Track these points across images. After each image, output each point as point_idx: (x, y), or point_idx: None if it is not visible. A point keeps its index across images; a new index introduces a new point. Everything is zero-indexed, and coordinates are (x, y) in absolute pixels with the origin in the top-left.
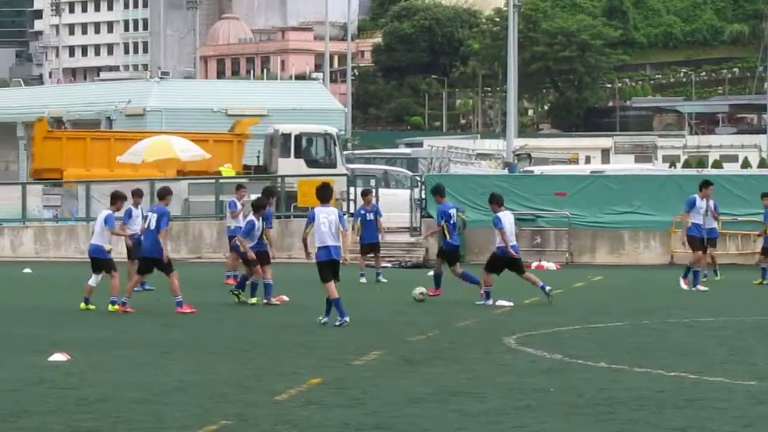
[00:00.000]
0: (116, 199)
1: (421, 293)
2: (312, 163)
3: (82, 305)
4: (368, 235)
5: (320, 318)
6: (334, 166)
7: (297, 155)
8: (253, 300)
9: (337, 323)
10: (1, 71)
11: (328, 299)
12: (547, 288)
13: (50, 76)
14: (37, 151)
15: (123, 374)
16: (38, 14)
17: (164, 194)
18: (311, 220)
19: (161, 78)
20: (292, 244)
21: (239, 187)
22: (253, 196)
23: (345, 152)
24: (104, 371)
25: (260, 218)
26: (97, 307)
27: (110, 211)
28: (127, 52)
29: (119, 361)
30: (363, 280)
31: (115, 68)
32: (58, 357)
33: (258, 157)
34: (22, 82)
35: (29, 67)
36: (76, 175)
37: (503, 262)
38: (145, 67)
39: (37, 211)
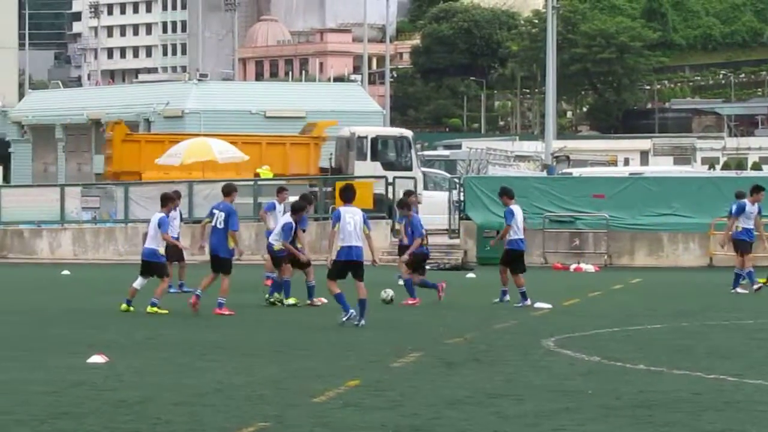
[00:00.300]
0: (167, 200)
1: (389, 295)
2: (388, 165)
3: (123, 306)
4: (410, 237)
5: (349, 318)
6: (409, 168)
7: (373, 158)
8: (292, 300)
9: (344, 319)
10: (40, 73)
11: (360, 299)
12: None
13: (89, 78)
14: (115, 154)
15: (161, 376)
16: (77, 16)
17: (230, 191)
18: (337, 219)
19: (199, 80)
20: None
21: (281, 189)
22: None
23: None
24: (142, 373)
25: (296, 221)
26: (136, 309)
27: (163, 214)
28: (165, 54)
29: (158, 362)
30: (401, 282)
31: (154, 70)
32: (97, 359)
33: (330, 159)
34: (60, 84)
35: (68, 69)
36: (155, 177)
37: (515, 256)
38: (184, 69)
39: (75, 213)
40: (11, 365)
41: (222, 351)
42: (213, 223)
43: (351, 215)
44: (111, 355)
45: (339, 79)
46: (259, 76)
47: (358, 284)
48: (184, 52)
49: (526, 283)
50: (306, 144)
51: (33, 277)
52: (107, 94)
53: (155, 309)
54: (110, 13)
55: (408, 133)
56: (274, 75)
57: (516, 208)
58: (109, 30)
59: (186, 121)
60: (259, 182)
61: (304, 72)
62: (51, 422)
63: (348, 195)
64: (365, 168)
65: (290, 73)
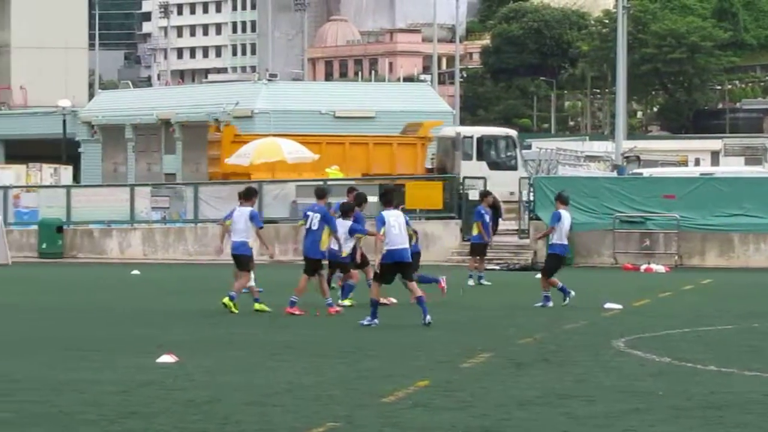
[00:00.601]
0: (253, 194)
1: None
2: (493, 165)
3: (256, 306)
4: (480, 236)
5: (369, 324)
6: (514, 168)
7: (479, 158)
8: (347, 302)
9: (365, 323)
10: (110, 73)
11: (417, 298)
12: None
13: (158, 78)
14: (224, 155)
15: (231, 376)
16: (147, 17)
17: (323, 194)
18: (381, 223)
19: (269, 80)
20: None
21: (351, 189)
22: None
23: None
24: (212, 373)
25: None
26: (205, 309)
27: (252, 208)
28: (235, 54)
29: (227, 362)
30: (471, 282)
31: (223, 70)
32: (167, 358)
33: (432, 159)
34: (130, 84)
35: (137, 69)
36: (264, 177)
37: (556, 261)
38: (253, 69)
39: (145, 213)
40: (81, 365)
41: (292, 351)
42: (306, 225)
43: (395, 218)
44: (181, 355)
45: (408, 79)
46: (328, 76)
47: (411, 285)
48: (253, 52)
49: (596, 284)
50: (413, 144)
51: (102, 277)
52: (177, 94)
53: (231, 303)
54: (180, 13)
55: (513, 132)
56: (343, 75)
57: (565, 214)
58: (179, 30)
59: (255, 121)
60: (329, 182)
61: (373, 72)
62: (120, 422)
63: (388, 198)
64: (471, 168)
65: (359, 73)
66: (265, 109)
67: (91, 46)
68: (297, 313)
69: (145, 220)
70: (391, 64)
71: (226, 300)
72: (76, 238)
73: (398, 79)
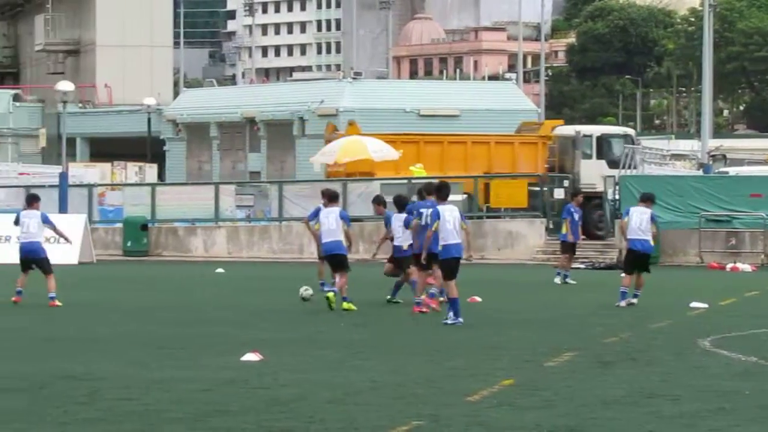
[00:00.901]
0: (337, 198)
1: (309, 292)
2: (613, 164)
3: (344, 305)
4: (572, 235)
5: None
6: (634, 166)
7: (599, 156)
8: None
9: (449, 322)
10: (195, 72)
11: (451, 299)
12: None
13: (243, 77)
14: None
15: (315, 374)
16: (231, 15)
17: (430, 191)
18: (437, 218)
19: (354, 78)
20: (484, 245)
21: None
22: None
23: None
24: (297, 371)
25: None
26: (290, 307)
27: (340, 208)
28: (319, 52)
29: (311, 360)
30: (557, 280)
31: (308, 68)
32: (251, 357)
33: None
34: (215, 83)
35: (222, 68)
36: (387, 175)
37: (633, 256)
38: (338, 67)
39: (229, 211)
40: (167, 363)
41: (376, 349)
42: (422, 222)
43: (449, 212)
44: (265, 353)
45: (493, 77)
46: (413, 75)
47: (454, 283)
48: (338, 51)
49: (682, 283)
50: (534, 143)
51: (187, 275)
52: (261, 92)
53: (349, 305)
54: (265, 11)
55: (631, 131)
56: (428, 73)
57: (633, 210)
58: (264, 28)
59: (340, 119)
60: (414, 180)
61: (458, 70)
62: (205, 420)
63: (444, 193)
64: (591, 167)
65: (444, 71)
66: (349, 107)
67: (176, 44)
68: (425, 311)
69: (230, 219)
70: (475, 62)
71: (330, 295)
72: (160, 236)
73: (483, 78)
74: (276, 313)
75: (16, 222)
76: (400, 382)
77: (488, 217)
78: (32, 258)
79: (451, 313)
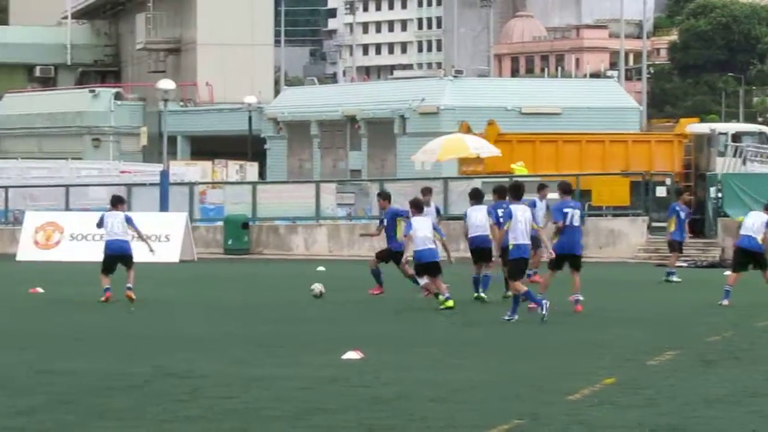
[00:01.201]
0: (421, 207)
1: (320, 290)
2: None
3: (448, 303)
4: (678, 233)
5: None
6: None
7: (734, 154)
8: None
9: (506, 318)
10: (296, 70)
11: (515, 296)
12: None
13: (344, 75)
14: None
15: (416, 372)
16: (332, 13)
17: (571, 189)
18: (509, 217)
19: (455, 76)
20: (586, 243)
21: (542, 186)
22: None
23: None
24: (398, 369)
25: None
26: (390, 305)
27: (427, 216)
28: (420, 50)
29: (412, 359)
30: (675, 278)
31: (409, 66)
32: (352, 355)
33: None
34: (316, 81)
35: (323, 66)
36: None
37: (743, 254)
38: (439, 65)
39: (330, 210)
40: (267, 361)
41: (476, 347)
42: (566, 222)
43: (521, 212)
44: (366, 351)
45: (595, 75)
46: (514, 73)
47: (520, 282)
48: (439, 49)
49: None
50: (669, 141)
51: (288, 274)
52: (362, 90)
53: (450, 303)
54: (366, 9)
55: (765, 129)
56: (529, 71)
57: (760, 215)
58: (365, 26)
59: (441, 117)
60: (515, 179)
61: (559, 68)
62: (306, 418)
63: (518, 193)
64: (726, 164)
65: (546, 69)
66: (450, 105)
67: (277, 42)
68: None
69: (331, 217)
70: (577, 60)
71: (443, 299)
72: (261, 235)
73: (584, 75)
74: (377, 312)
75: (100, 224)
76: (500, 380)
77: (590, 216)
78: (119, 255)
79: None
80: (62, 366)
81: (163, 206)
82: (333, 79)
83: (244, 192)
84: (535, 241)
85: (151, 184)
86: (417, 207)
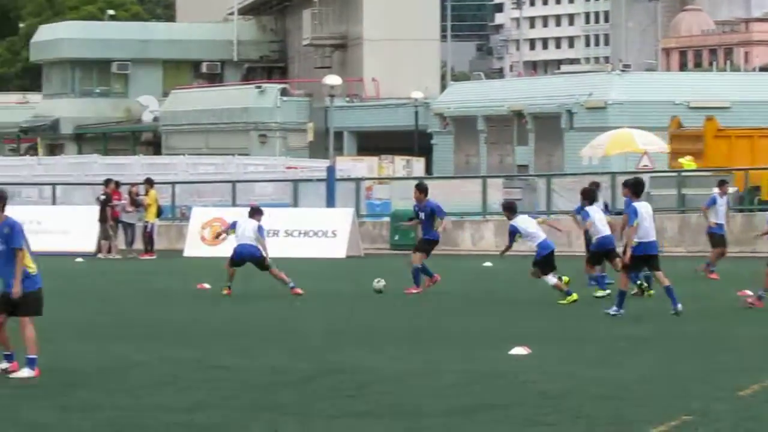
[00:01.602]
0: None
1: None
2: None
3: (600, 292)
4: None
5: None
6: None
7: None
8: (601, 293)
9: (672, 312)
10: (462, 65)
11: (621, 290)
12: None
13: (510, 70)
14: (708, 151)
15: (583, 369)
16: (499, 8)
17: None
18: (635, 215)
19: (622, 70)
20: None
21: (722, 182)
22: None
23: None
24: (565, 365)
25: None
26: (554, 301)
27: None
28: (588, 44)
29: (579, 355)
30: None
31: (576, 61)
32: (519, 351)
33: None
34: (482, 76)
35: (489, 61)
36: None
37: None
38: (606, 59)
39: (497, 205)
40: (433, 356)
41: (643, 343)
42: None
43: (645, 209)
44: (534, 347)
45: (765, 69)
46: (683, 67)
47: (658, 274)
48: (606, 43)
49: None
50: None
51: (455, 269)
52: (529, 85)
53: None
54: (532, 3)
55: None
56: (698, 65)
57: None
58: (531, 21)
59: (609, 112)
60: (683, 173)
61: (728, 62)
62: (473, 413)
63: (639, 189)
64: None
65: (714, 63)
66: (618, 99)
67: (444, 37)
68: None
69: (498, 212)
70: (746, 53)
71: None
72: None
73: (754, 69)
74: (544, 307)
75: (233, 226)
76: (668, 376)
77: (759, 210)
78: (248, 258)
79: (614, 307)
80: (229, 362)
81: (330, 202)
82: (500, 73)
83: (411, 187)
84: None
85: (318, 180)
86: (589, 197)
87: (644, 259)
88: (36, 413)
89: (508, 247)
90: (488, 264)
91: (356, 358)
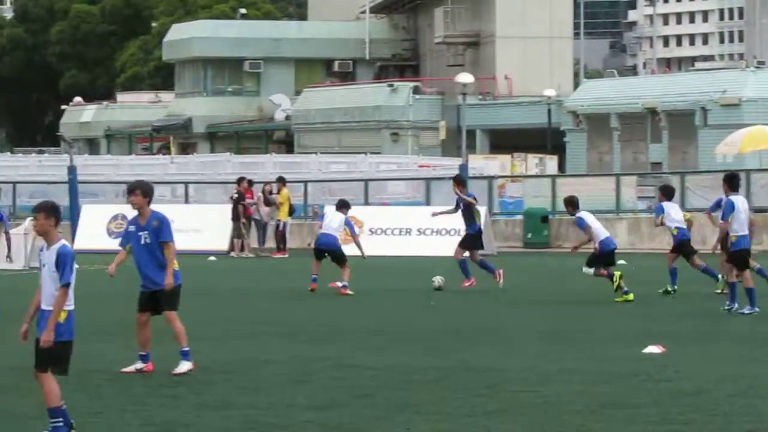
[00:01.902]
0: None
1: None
2: None
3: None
4: None
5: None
6: None
7: None
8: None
9: (747, 312)
10: (595, 62)
11: (748, 288)
12: None
13: (644, 67)
14: None
15: (719, 367)
16: (632, 5)
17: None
18: (732, 209)
19: (757, 67)
20: None
21: None
22: None
23: None
24: (700, 364)
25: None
26: (687, 299)
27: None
28: (722, 41)
29: (714, 353)
30: None
31: (710, 58)
32: (653, 349)
33: None
34: (615, 73)
35: (623, 58)
36: None
37: None
38: (741, 56)
39: (631, 203)
40: (566, 355)
41: None
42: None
43: (742, 203)
44: (667, 345)
45: None
46: None
47: (743, 274)
48: (740, 40)
49: None
50: None
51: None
52: (662, 82)
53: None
54: (666, 0)
55: None
56: None
57: None
58: (665, 18)
59: (743, 109)
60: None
61: None
62: (604, 412)
63: (735, 183)
64: None
65: None
66: (753, 97)
67: (576, 35)
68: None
69: (631, 210)
70: None
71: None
72: (561, 228)
73: None
74: (677, 305)
75: (321, 217)
76: None
77: None
78: (326, 249)
79: (747, 306)
80: (361, 360)
81: None
82: (633, 71)
83: (544, 185)
84: None
85: (450, 178)
86: (667, 193)
87: (747, 252)
88: (172, 412)
89: (583, 243)
90: (622, 262)
91: (490, 358)
